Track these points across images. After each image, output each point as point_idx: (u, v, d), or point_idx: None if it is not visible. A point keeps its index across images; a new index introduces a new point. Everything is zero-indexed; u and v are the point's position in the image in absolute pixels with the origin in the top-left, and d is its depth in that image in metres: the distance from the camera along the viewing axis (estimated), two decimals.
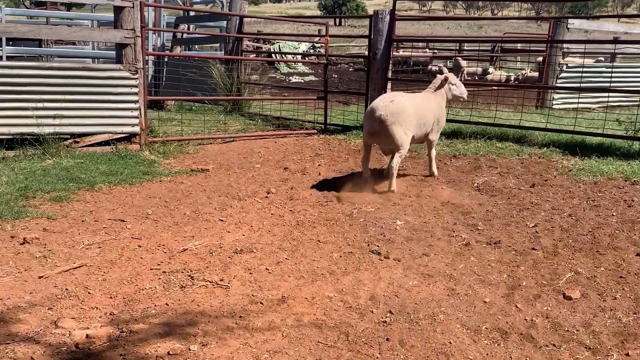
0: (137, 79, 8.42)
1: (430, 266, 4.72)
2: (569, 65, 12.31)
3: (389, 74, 10.64)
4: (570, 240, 5.27)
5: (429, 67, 28.18)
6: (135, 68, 8.38)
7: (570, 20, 11.75)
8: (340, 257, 4.93)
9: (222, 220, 5.82)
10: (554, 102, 12.23)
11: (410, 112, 6.79)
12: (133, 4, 8.32)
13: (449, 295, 4.22)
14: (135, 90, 8.43)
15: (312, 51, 32.69)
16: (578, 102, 10.91)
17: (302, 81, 24.71)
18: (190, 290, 4.21)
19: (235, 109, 12.44)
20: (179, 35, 14.68)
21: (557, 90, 12.18)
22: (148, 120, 9.08)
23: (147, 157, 8.24)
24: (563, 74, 12.10)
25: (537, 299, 4.15)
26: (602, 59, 22.11)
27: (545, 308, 4.02)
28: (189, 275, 4.46)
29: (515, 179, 7.40)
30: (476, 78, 24.44)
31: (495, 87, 12.49)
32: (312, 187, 7.15)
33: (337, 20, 78.25)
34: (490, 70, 24.28)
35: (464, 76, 24.74)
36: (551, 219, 5.88)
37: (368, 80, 10.74)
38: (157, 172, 7.65)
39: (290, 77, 25.87)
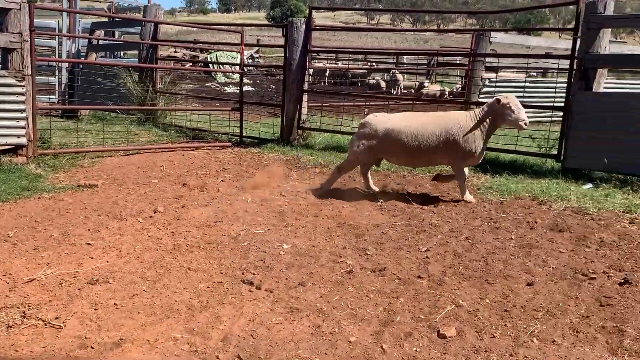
0: (23, 86, 7.78)
1: (303, 298, 4.29)
2: (491, 79, 12.16)
3: (305, 86, 10.25)
4: (460, 267, 4.92)
5: (367, 79, 28.11)
6: (21, 75, 7.74)
7: (492, 34, 11.62)
8: (207, 288, 4.45)
9: (89, 244, 5.27)
10: None
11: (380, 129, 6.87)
12: (20, 5, 7.69)
13: (312, 334, 3.79)
14: (21, 98, 7.79)
15: (250, 61, 32.29)
16: None
17: (238, 91, 24.14)
18: (17, 331, 3.66)
19: (149, 119, 11.84)
20: (94, 41, 13.98)
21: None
22: (39, 131, 8.44)
23: (32, 171, 7.60)
24: (485, 89, 11.94)
25: (408, 338, 3.75)
26: (534, 74, 22.31)
27: (415, 349, 3.62)
28: (23, 313, 3.91)
29: (420, 197, 7.07)
30: (412, 92, 24.42)
31: (411, 102, 12.22)
32: (205, 206, 6.65)
33: (283, 29, 77.96)
34: (426, 84, 24.26)
35: (401, 89, 24.69)
36: (447, 242, 5.53)
37: (284, 91, 10.33)
38: (39, 187, 7.03)
39: (226, 87, 25.35)
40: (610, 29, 7.65)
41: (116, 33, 17.42)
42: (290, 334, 3.76)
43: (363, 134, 7.04)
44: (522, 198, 6.95)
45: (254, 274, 4.71)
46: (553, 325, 3.94)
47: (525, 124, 6.44)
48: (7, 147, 7.79)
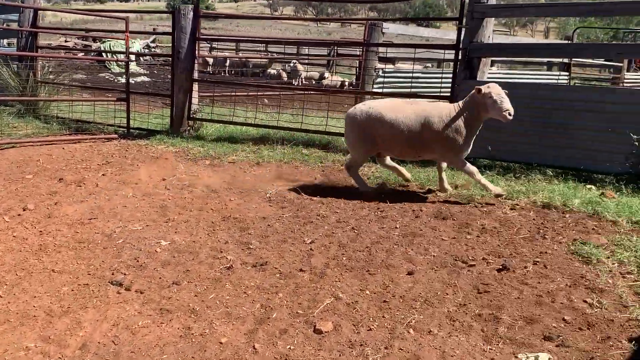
0: None
1: (175, 298, 4.05)
2: (384, 70, 12.22)
3: (195, 75, 9.90)
4: (344, 258, 4.82)
5: (268, 70, 27.85)
6: None
7: (385, 25, 11.66)
8: (71, 291, 4.12)
9: None
10: None
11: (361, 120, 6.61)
12: None
13: (181, 336, 3.56)
14: None
15: (146, 51, 31.25)
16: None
17: (133, 82, 23.27)
18: None
19: (29, 111, 11.11)
20: None
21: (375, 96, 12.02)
22: None
23: None
24: (379, 79, 11.98)
25: (283, 335, 3.59)
26: (429, 65, 22.81)
27: (288, 347, 3.47)
28: None
29: (311, 188, 6.95)
30: (314, 82, 24.43)
31: (303, 92, 12.13)
32: (81, 202, 6.24)
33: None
34: (326, 75, 24.32)
35: (302, 80, 24.64)
36: (332, 233, 5.42)
37: (173, 81, 9.94)
38: None
39: (120, 78, 24.40)
40: (493, 19, 7.80)
41: None
42: (156, 338, 3.52)
43: (349, 124, 6.77)
44: (411, 186, 6.97)
45: (125, 274, 4.41)
46: (430, 315, 3.89)
47: (509, 114, 5.93)
48: None
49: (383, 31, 11.77)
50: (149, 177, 7.34)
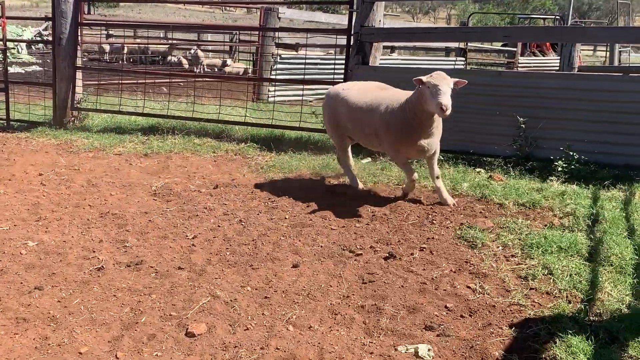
0: None
1: (35, 305, 3.68)
2: (282, 56, 12.01)
3: (78, 62, 9.33)
4: (228, 253, 4.59)
5: (168, 57, 27.00)
6: None
7: (281, 9, 11.42)
8: None
9: None
10: (273, 95, 11.84)
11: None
12: None
13: (36, 348, 3.22)
14: None
15: (39, 38, 29.62)
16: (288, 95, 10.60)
17: (24, 71, 21.96)
18: None
19: None
20: None
21: (273, 83, 11.80)
22: None
23: None
24: (278, 65, 11.76)
25: (151, 341, 3.33)
26: (332, 51, 22.78)
27: (156, 353, 3.21)
28: None
29: (201, 179, 6.65)
30: (216, 70, 23.88)
31: (209, 79, 11.76)
32: None
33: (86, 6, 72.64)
34: (229, 62, 23.82)
35: (204, 67, 24.06)
36: (218, 226, 5.17)
37: (54, 69, 9.32)
38: None
39: (9, 68, 22.94)
40: (383, 3, 7.72)
41: None
42: (7, 351, 3.17)
43: (323, 104, 6.50)
44: (304, 175, 6.80)
45: None
46: (312, 309, 3.73)
47: (442, 108, 4.90)
48: None
49: (279, 16, 11.54)
50: (24, 173, 6.82)
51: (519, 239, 4.74)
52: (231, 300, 3.81)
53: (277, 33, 11.73)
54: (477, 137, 7.04)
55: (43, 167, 7.05)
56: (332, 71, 8.60)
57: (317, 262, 4.45)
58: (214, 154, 7.82)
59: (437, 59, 17.13)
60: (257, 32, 12.71)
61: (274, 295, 3.92)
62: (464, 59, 15.74)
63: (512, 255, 4.48)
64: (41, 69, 22.26)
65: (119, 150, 7.95)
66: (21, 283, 4.00)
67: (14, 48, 24.77)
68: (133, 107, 9.73)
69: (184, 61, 25.33)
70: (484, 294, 3.89)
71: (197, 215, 5.47)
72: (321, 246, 4.74)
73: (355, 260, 4.48)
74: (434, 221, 5.25)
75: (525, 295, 3.87)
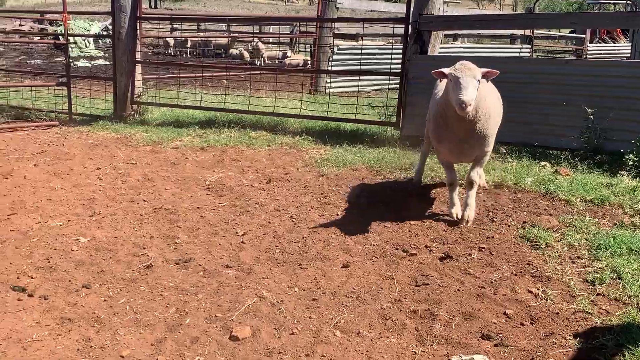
0: None
1: (81, 305, 3.66)
2: (340, 47, 11.81)
3: (138, 57, 9.40)
4: (277, 251, 4.47)
5: (230, 50, 27.19)
6: None
7: (339, 0, 11.22)
8: None
9: None
10: (329, 87, 11.66)
11: None
12: None
13: (78, 350, 3.18)
14: None
15: (105, 33, 30.35)
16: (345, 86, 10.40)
17: (91, 65, 22.51)
18: None
19: None
20: None
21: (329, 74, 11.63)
22: None
23: None
24: (335, 57, 11.58)
25: (194, 345, 3.24)
26: (392, 41, 22.39)
27: (198, 358, 3.11)
28: None
29: (254, 173, 6.56)
30: (277, 62, 23.86)
31: (266, 72, 11.69)
32: (4, 196, 5.78)
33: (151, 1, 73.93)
34: (289, 54, 23.77)
35: (264, 60, 24.11)
36: (269, 223, 5.06)
37: (114, 63, 9.43)
38: None
39: (77, 62, 23.60)
40: None
41: None
42: (49, 353, 3.13)
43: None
44: (358, 169, 6.62)
45: (31, 278, 4.00)
46: (361, 313, 3.56)
47: (462, 105, 4.22)
48: None
49: (337, 6, 11.34)
50: (83, 167, 6.89)
51: (586, 239, 4.43)
52: (278, 302, 3.69)
53: (334, 24, 11.51)
54: (542, 129, 6.68)
55: (101, 161, 7.10)
56: (386, 61, 8.33)
57: (368, 262, 4.27)
58: (269, 147, 7.72)
59: (501, 46, 16.55)
60: (314, 24, 12.53)
61: (322, 297, 3.77)
62: (529, 46, 15.16)
63: (578, 257, 4.19)
64: (108, 63, 22.84)
65: (176, 144, 7.95)
66: (69, 281, 3.98)
67: (82, 42, 25.42)
68: (191, 100, 9.74)
69: (246, 54, 25.40)
70: (546, 300, 3.64)
71: (249, 210, 5.38)
72: (373, 245, 4.56)
73: (408, 260, 4.29)
74: (495, 219, 4.99)
75: (591, 301, 3.59)
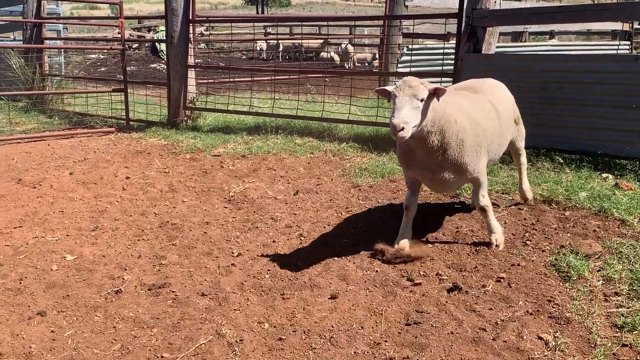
0: None
1: (23, 336, 3.31)
2: (409, 47, 11.09)
3: (191, 60, 9.17)
4: (267, 276, 3.97)
5: (321, 53, 26.94)
6: None
7: None
8: None
9: None
10: None
11: None
12: None
13: None
14: None
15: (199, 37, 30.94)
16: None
17: (160, 68, 22.82)
18: None
19: (36, 104, 10.70)
20: None
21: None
22: None
23: None
24: (404, 57, 10.87)
25: None
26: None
27: None
28: None
29: (285, 184, 6.09)
30: (366, 64, 23.32)
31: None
32: (21, 207, 5.64)
33: (259, 6, 75.45)
34: (378, 56, 23.17)
35: (354, 62, 23.67)
36: (273, 242, 4.57)
37: (168, 68, 9.26)
38: None
39: (155, 65, 24.11)
40: None
41: None
42: None
43: None
44: (396, 180, 5.98)
45: None
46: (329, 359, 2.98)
47: (392, 129, 3.53)
48: None
49: (406, 4, 10.66)
50: (114, 176, 6.68)
51: (630, 271, 3.61)
52: (236, 341, 3.18)
53: (401, 22, 10.81)
54: (605, 135, 5.75)
55: (135, 170, 6.88)
56: (442, 62, 7.60)
57: (362, 291, 3.68)
58: (311, 154, 7.21)
59: (595, 43, 15.16)
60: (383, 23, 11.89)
61: (291, 336, 3.22)
62: (629, 43, 13.72)
63: (615, 293, 3.40)
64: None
65: (219, 152, 7.61)
66: (28, 306, 3.66)
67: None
68: (244, 105, 9.38)
69: (336, 57, 25.00)
70: (555, 350, 2.90)
71: (258, 227, 4.90)
72: (377, 271, 3.95)
73: (410, 291, 3.66)
74: (529, 242, 4.23)
75: (612, 354, 2.82)
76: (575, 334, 3.04)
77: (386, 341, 3.12)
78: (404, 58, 10.90)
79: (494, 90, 4.70)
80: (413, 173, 4.20)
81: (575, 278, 3.59)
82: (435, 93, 3.68)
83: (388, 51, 10.89)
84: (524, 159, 5.04)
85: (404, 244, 4.20)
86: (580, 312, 3.22)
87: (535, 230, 4.43)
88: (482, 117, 4.18)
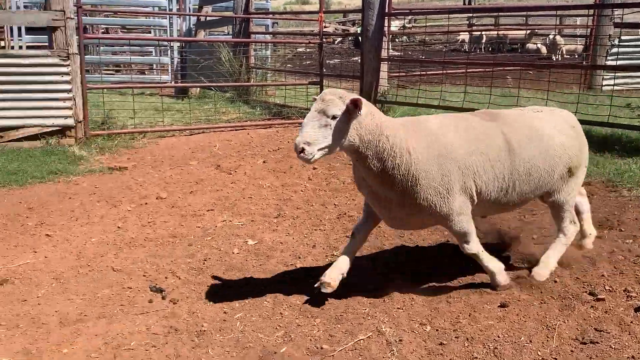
0: (68, 65, 7.67)
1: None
2: (621, 38, 10.13)
3: (384, 54, 9.20)
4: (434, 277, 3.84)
5: (527, 45, 25.69)
6: (65, 53, 7.63)
7: None
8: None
9: (48, 236, 4.90)
10: (604, 84, 10.11)
11: None
12: None
13: None
14: (66, 78, 7.69)
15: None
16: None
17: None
18: None
19: (241, 95, 11.46)
20: (202, 18, 13.88)
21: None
22: (104, 111, 8.45)
23: (74, 153, 7.47)
24: (614, 49, 9.95)
25: None
26: None
27: None
28: None
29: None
30: (576, 56, 21.81)
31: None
32: (216, 191, 6.10)
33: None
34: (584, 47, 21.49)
35: (562, 54, 22.28)
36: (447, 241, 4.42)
37: (362, 61, 9.39)
38: (70, 170, 6.83)
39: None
40: None
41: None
42: None
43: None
44: (591, 183, 5.50)
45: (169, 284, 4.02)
46: None
47: (294, 145, 3.12)
48: (55, 128, 7.74)
49: None
50: (302, 165, 6.93)
51: None
52: (395, 341, 3.14)
53: (613, 11, 9.88)
54: None
55: (322, 160, 7.07)
56: None
57: (536, 302, 3.44)
58: None
59: None
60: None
61: (453, 342, 3.11)
62: None
63: None
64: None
65: None
66: (207, 286, 3.91)
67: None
68: (439, 100, 9.18)
69: (543, 49, 23.63)
70: None
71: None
72: (555, 281, 3.64)
73: (591, 306, 3.34)
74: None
75: None
76: None
77: (555, 359, 2.86)
78: (614, 50, 9.99)
79: (529, 122, 3.72)
80: (365, 198, 3.67)
81: None
82: (357, 107, 3.10)
83: (597, 42, 10.03)
84: (563, 224, 3.81)
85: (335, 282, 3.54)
86: None
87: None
88: (469, 151, 3.39)
